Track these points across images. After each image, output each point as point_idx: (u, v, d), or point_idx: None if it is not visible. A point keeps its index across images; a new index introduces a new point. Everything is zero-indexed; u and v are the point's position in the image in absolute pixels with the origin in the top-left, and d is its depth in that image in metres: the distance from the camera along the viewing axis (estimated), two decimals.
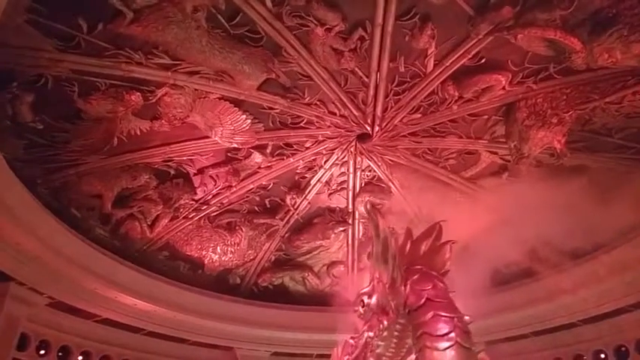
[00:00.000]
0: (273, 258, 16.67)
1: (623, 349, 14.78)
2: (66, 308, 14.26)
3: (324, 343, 15.21)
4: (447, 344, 6.82)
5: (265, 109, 12.37)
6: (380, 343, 7.95)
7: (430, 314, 7.18)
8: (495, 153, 13.47)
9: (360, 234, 16.19)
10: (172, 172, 13.81)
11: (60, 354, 14.94)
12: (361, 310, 9.19)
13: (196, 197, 14.52)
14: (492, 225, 11.84)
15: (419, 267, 7.73)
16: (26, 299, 12.86)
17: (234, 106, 12.14)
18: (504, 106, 12.23)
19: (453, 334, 6.84)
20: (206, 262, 16.08)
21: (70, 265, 12.99)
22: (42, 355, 14.36)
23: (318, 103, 12.38)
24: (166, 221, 14.73)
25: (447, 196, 14.11)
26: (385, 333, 8.10)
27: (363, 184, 15.06)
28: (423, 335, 7.00)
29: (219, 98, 11.86)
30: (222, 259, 16.15)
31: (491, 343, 15.99)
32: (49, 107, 10.70)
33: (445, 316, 7.06)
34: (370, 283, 8.92)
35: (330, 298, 15.22)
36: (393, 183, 14.86)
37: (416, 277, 7.66)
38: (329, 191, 15.24)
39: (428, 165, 14.28)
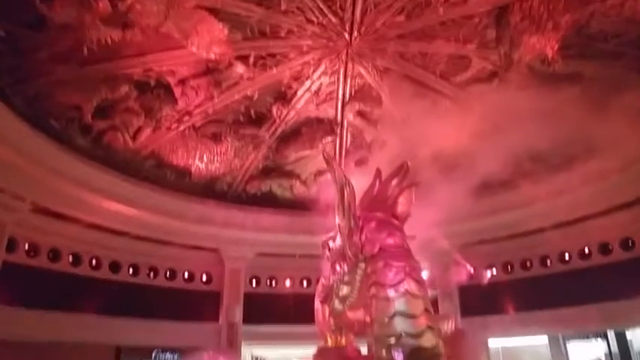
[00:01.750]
0: (260, 166, 16.75)
1: (586, 251, 16.02)
2: (51, 214, 14.33)
3: (306, 244, 15.57)
4: (395, 293, 6.98)
5: (242, 17, 11.89)
6: (343, 286, 8.01)
7: (381, 263, 7.38)
8: (486, 59, 13.27)
9: (348, 143, 16.29)
10: (153, 83, 13.55)
11: (50, 255, 15.24)
12: (327, 253, 9.44)
13: (178, 108, 14.28)
14: (480, 133, 12.07)
15: (377, 214, 7.85)
16: (9, 205, 12.87)
17: (210, 15, 11.62)
18: (496, 9, 11.85)
19: (403, 284, 6.97)
20: (193, 170, 16.09)
21: (50, 172, 12.98)
22: (32, 257, 14.63)
23: (295, 10, 11.94)
24: (149, 132, 14.52)
25: (437, 104, 14.09)
26: (347, 278, 7.99)
27: (352, 93, 14.85)
28: (374, 284, 7.27)
29: (195, 7, 11.34)
30: (209, 167, 16.18)
31: (467, 245, 17.09)
32: (11, 13, 10.15)
33: (396, 266, 7.16)
34: (334, 229, 9.13)
35: (317, 203, 15.72)
36: (383, 90, 14.67)
37: (372, 224, 7.76)
38: (317, 101, 14.99)
39: (418, 70, 14.03)
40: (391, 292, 7.05)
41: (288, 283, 18.68)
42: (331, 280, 8.74)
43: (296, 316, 15.01)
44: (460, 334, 9.59)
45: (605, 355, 15.64)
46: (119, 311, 15.51)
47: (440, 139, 12.38)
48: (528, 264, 17.32)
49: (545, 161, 13.94)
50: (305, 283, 18.58)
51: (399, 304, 7.26)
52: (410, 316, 6.98)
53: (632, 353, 14.94)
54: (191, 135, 15.18)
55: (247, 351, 18.88)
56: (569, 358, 16.50)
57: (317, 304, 9.17)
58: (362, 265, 7.67)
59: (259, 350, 19.74)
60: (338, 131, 15.79)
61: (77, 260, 15.89)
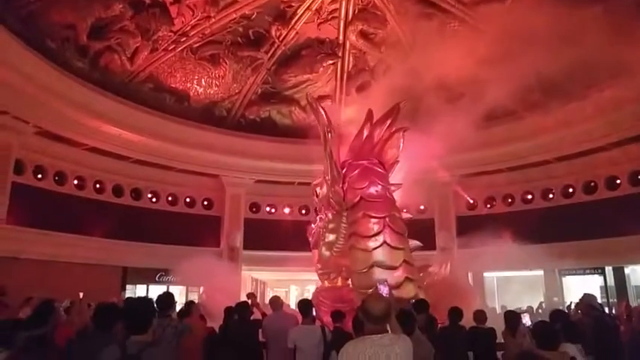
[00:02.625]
0: (259, 91, 16.39)
1: (592, 184, 15.77)
2: (55, 137, 14.35)
3: (306, 172, 15.64)
4: (374, 245, 7.25)
5: None
6: (329, 234, 8.36)
7: (360, 214, 7.75)
8: None
9: (350, 66, 15.76)
10: (148, 1, 13.09)
11: (56, 178, 15.41)
12: (315, 199, 9.24)
13: (175, 28, 13.80)
14: (489, 58, 11.43)
15: (362, 161, 8.10)
16: (14, 127, 12.88)
17: None
18: None
19: (380, 236, 7.30)
20: (191, 94, 15.81)
21: (50, 94, 12.75)
22: (40, 180, 14.83)
23: None
24: (146, 53, 14.15)
25: (445, 25, 13.39)
26: (332, 225, 8.40)
27: (356, 12, 14.08)
28: (353, 235, 7.57)
29: None
30: (208, 91, 15.87)
31: (468, 177, 16.92)
32: None
33: (374, 217, 7.49)
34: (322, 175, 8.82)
35: (316, 131, 15.36)
36: (388, 10, 13.94)
37: (355, 173, 8.00)
38: (318, 20, 14.29)
39: None
40: (370, 243, 7.27)
41: (287, 210, 18.83)
42: (318, 227, 8.74)
43: (295, 243, 15.18)
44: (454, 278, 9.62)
45: (601, 288, 15.81)
46: (124, 234, 15.84)
47: (446, 64, 11.81)
48: (530, 197, 17.19)
49: (556, 90, 13.29)
50: (304, 210, 18.72)
51: (377, 256, 7.30)
52: (388, 268, 7.25)
53: (628, 287, 15.03)
54: (189, 57, 14.76)
55: (247, 274, 19.47)
56: (564, 291, 16.76)
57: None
58: (345, 214, 7.86)
59: (259, 274, 20.33)
60: (340, 54, 15.14)
61: (82, 183, 16.12)
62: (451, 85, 13.10)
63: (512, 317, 6.04)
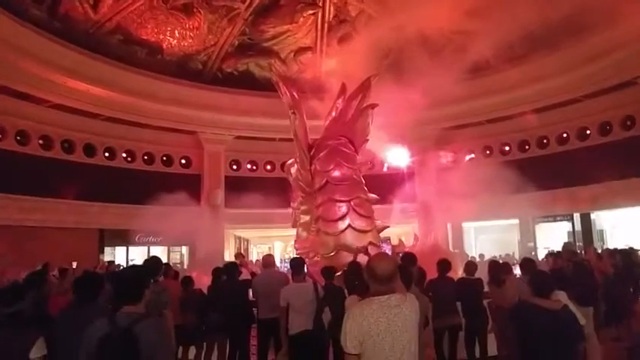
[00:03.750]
0: (236, 43, 15.67)
1: (564, 135, 16.12)
2: (15, 94, 13.50)
3: (286, 128, 15.14)
4: (339, 228, 7.23)
5: None
6: (303, 215, 8.30)
7: (325, 198, 7.70)
8: None
9: (331, 17, 15.11)
10: None
11: (18, 138, 14.68)
12: (290, 179, 9.02)
13: None
14: (472, 10, 11.14)
15: (330, 142, 7.92)
16: None
17: None
18: None
19: (346, 219, 7.26)
20: (164, 46, 15.02)
21: (8, 47, 11.88)
22: None
23: None
24: (111, 1, 13.18)
25: None
26: (304, 207, 8.35)
27: None
28: (319, 219, 7.56)
29: None
30: (182, 43, 15.09)
31: (448, 130, 16.98)
32: None
33: (339, 200, 7.43)
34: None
35: (297, 85, 14.99)
36: None
37: (322, 155, 7.84)
38: None
39: None
40: (335, 227, 7.25)
41: (268, 167, 18.65)
42: (293, 208, 8.65)
43: (277, 200, 15.07)
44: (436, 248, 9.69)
45: (569, 233, 16.49)
46: (99, 196, 15.42)
47: (428, 15, 11.46)
48: (507, 149, 17.47)
49: (535, 43, 13.22)
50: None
51: (342, 239, 7.27)
52: (354, 251, 7.15)
53: (593, 231, 15.91)
54: (160, 6, 13.88)
55: (230, 232, 19.44)
56: (536, 237, 17.40)
57: None
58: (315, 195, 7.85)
59: (242, 232, 20.34)
60: (320, 4, 14.53)
61: (48, 143, 15.38)
62: (433, 37, 12.79)
63: (496, 267, 6.19)
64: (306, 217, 8.07)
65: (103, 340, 2.48)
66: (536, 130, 16.54)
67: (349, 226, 7.27)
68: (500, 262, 7.34)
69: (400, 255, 6.45)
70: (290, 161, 8.76)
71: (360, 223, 7.38)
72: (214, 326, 6.10)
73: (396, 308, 2.45)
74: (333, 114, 8.46)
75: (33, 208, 14.02)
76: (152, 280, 4.85)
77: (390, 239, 7.21)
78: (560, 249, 9.76)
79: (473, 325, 5.88)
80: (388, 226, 8.78)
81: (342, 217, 7.34)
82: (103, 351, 2.46)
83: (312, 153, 8.15)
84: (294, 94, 8.56)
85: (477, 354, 5.94)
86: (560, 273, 4.70)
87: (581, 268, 5.89)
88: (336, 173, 7.67)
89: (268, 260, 6.49)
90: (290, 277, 5.79)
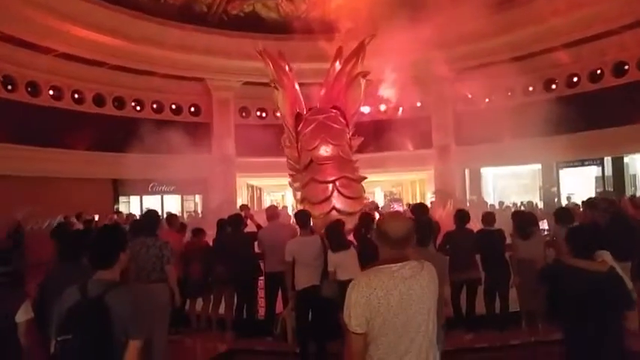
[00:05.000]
0: None
1: (598, 72, 14.99)
2: (21, 43, 13.13)
3: (296, 71, 14.68)
4: (323, 211, 6.65)
5: None
6: (296, 191, 7.71)
7: (309, 177, 7.15)
8: None
9: None
10: None
11: (29, 89, 14.46)
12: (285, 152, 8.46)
13: None
14: None
15: (318, 116, 7.27)
16: None
17: None
18: None
19: (329, 202, 6.71)
20: None
21: None
22: (10, 91, 13.89)
23: None
24: None
25: None
26: (296, 184, 7.75)
27: None
28: (304, 200, 7.10)
29: None
30: None
31: (466, 70, 15.99)
32: None
33: (322, 182, 6.85)
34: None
35: (306, 25, 14.18)
36: None
37: (308, 131, 7.22)
38: None
39: None
40: (319, 210, 6.70)
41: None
42: (290, 183, 8.20)
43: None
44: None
45: (597, 179, 15.76)
46: (110, 146, 15.26)
47: None
48: (531, 88, 16.45)
49: None
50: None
51: (326, 222, 6.71)
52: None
53: (625, 176, 15.01)
54: None
55: (243, 181, 19.25)
56: (560, 184, 16.72)
57: None
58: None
59: (254, 180, 20.12)
60: None
61: (58, 94, 15.20)
62: None
63: (521, 218, 5.71)
64: (300, 191, 7.64)
65: (72, 311, 2.21)
66: (566, 67, 15.39)
67: (333, 208, 6.76)
68: (525, 211, 6.84)
69: (410, 206, 6.07)
70: (284, 135, 8.31)
71: (344, 206, 6.79)
72: (220, 279, 5.89)
73: (411, 279, 2.00)
74: (329, 79, 8.02)
75: (46, 158, 13.96)
76: (150, 235, 4.58)
77: (402, 199, 6.72)
78: (587, 196, 9.20)
79: (493, 279, 5.50)
80: (377, 205, 8.24)
81: (327, 199, 6.80)
82: (73, 322, 2.19)
83: (299, 128, 7.61)
84: (280, 65, 8.01)
85: (497, 309, 5.61)
86: (596, 227, 4.20)
87: (620, 220, 5.32)
88: (320, 152, 7.11)
89: (272, 212, 6.13)
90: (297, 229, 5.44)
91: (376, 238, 2.12)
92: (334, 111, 7.61)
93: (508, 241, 5.69)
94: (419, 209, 5.47)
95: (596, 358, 2.88)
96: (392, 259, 2.04)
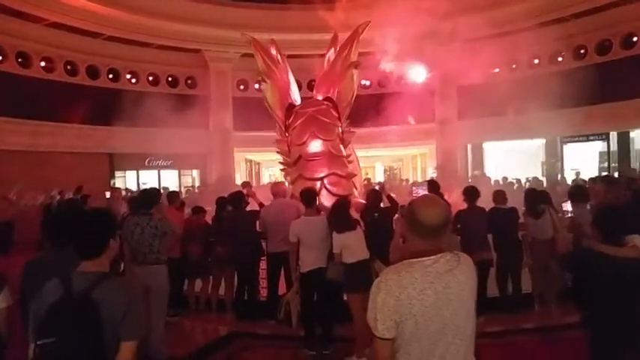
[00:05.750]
0: None
1: (607, 43, 14.54)
2: (10, 11, 12.63)
3: (296, 43, 14.38)
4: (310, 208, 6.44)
5: None
6: (291, 185, 7.30)
7: (297, 174, 6.97)
8: None
9: None
10: None
11: (19, 60, 13.98)
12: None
13: None
14: None
15: (308, 109, 7.00)
16: None
17: None
18: None
19: (319, 199, 6.07)
20: None
21: None
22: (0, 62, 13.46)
23: None
24: None
25: None
26: (289, 178, 7.47)
27: None
28: (292, 197, 6.50)
29: None
30: None
31: (473, 40, 15.47)
32: None
33: (309, 179, 6.64)
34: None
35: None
36: None
37: (298, 124, 6.95)
38: None
39: None
40: (307, 211, 6.45)
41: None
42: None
43: None
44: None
45: (601, 154, 15.50)
46: (105, 119, 14.85)
47: None
48: (536, 61, 16.02)
49: None
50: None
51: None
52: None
53: (631, 150, 14.73)
54: None
55: (241, 156, 18.92)
56: (564, 158, 16.46)
57: None
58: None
59: (252, 155, 19.79)
60: None
61: (50, 65, 14.74)
62: None
63: (533, 197, 5.46)
64: (294, 185, 7.42)
65: (53, 309, 1.88)
66: (573, 38, 14.89)
67: (322, 204, 6.51)
68: (537, 189, 6.54)
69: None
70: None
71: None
72: (220, 259, 5.66)
73: (448, 275, 1.72)
74: (323, 68, 7.75)
75: (41, 132, 13.70)
76: (145, 214, 4.33)
77: (426, 182, 6.34)
78: (590, 171, 8.93)
79: (506, 260, 5.28)
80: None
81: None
82: (54, 323, 1.87)
83: (290, 120, 7.30)
84: (270, 55, 7.73)
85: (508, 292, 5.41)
86: (623, 209, 3.95)
87: None
88: (310, 147, 6.80)
89: (278, 189, 5.86)
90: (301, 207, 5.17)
91: (406, 227, 1.84)
92: (326, 103, 7.34)
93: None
94: (432, 186, 5.21)
95: (624, 349, 2.69)
96: (424, 251, 1.74)
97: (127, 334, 1.91)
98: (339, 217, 4.46)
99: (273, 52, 7.95)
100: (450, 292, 1.71)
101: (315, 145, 6.83)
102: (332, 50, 7.72)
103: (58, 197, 10.73)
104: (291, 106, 7.46)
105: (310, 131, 6.80)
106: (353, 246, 4.35)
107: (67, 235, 2.62)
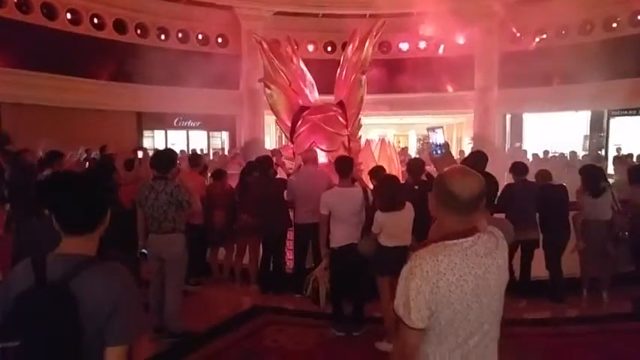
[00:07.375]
0: None
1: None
2: None
3: (331, 1, 13.74)
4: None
5: None
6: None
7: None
8: None
9: None
10: None
11: (44, 11, 13.68)
12: None
13: None
14: None
15: (313, 116, 6.64)
16: None
17: None
18: None
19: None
20: None
21: None
22: (25, 13, 13.08)
23: None
24: None
25: None
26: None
27: None
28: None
29: None
30: None
31: (517, 5, 14.45)
32: None
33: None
34: None
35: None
36: None
37: (303, 131, 6.63)
38: None
39: None
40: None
41: (310, 47, 16.94)
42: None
43: (319, 84, 13.79)
44: None
45: None
46: (133, 76, 14.44)
47: None
48: (588, 27, 14.84)
49: None
50: (329, 47, 16.87)
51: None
52: None
53: None
54: None
55: (270, 119, 18.50)
56: (609, 133, 15.46)
57: None
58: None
59: None
60: None
61: (76, 17, 14.31)
62: None
63: (592, 173, 4.91)
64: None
65: (20, 302, 1.44)
66: (630, 2, 13.56)
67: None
68: (595, 165, 5.95)
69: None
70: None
71: None
72: (245, 227, 5.36)
73: (487, 258, 1.49)
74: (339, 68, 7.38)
75: (67, 87, 13.32)
76: (161, 177, 4.00)
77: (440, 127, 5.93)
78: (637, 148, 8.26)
79: (555, 240, 4.80)
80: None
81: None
82: (20, 319, 1.42)
83: (297, 124, 6.92)
84: (280, 55, 7.38)
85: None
86: None
87: None
88: (310, 156, 6.45)
89: (309, 156, 5.47)
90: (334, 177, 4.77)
91: (436, 203, 1.53)
92: (335, 109, 6.91)
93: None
94: (476, 158, 4.71)
95: None
96: (461, 231, 1.49)
97: (114, 337, 1.47)
98: (387, 193, 3.92)
99: (288, 50, 7.67)
100: (490, 278, 1.52)
101: (314, 157, 6.53)
102: (350, 47, 7.25)
103: (85, 155, 10.59)
104: (302, 109, 7.04)
105: (311, 141, 6.44)
106: (395, 228, 3.90)
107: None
